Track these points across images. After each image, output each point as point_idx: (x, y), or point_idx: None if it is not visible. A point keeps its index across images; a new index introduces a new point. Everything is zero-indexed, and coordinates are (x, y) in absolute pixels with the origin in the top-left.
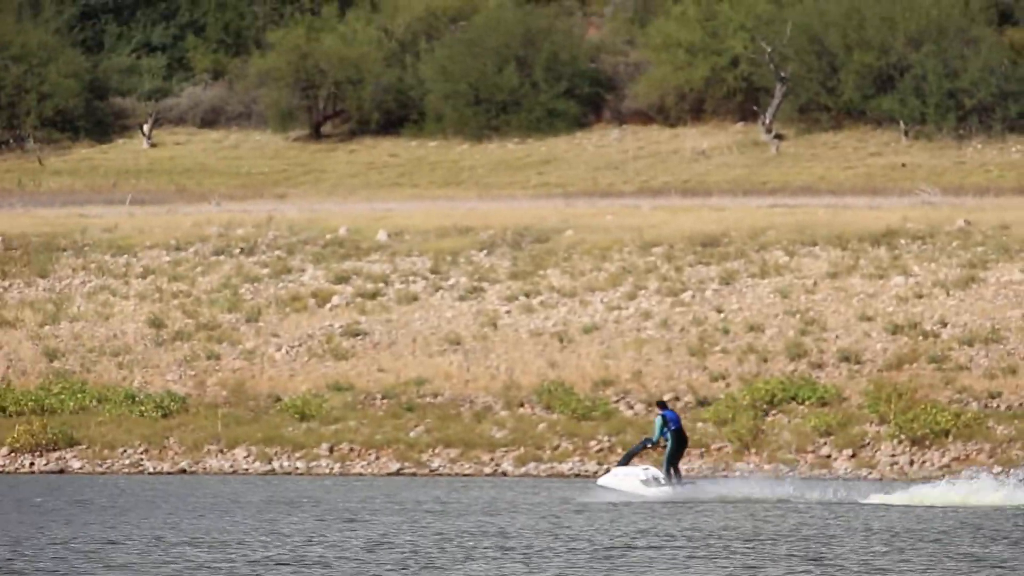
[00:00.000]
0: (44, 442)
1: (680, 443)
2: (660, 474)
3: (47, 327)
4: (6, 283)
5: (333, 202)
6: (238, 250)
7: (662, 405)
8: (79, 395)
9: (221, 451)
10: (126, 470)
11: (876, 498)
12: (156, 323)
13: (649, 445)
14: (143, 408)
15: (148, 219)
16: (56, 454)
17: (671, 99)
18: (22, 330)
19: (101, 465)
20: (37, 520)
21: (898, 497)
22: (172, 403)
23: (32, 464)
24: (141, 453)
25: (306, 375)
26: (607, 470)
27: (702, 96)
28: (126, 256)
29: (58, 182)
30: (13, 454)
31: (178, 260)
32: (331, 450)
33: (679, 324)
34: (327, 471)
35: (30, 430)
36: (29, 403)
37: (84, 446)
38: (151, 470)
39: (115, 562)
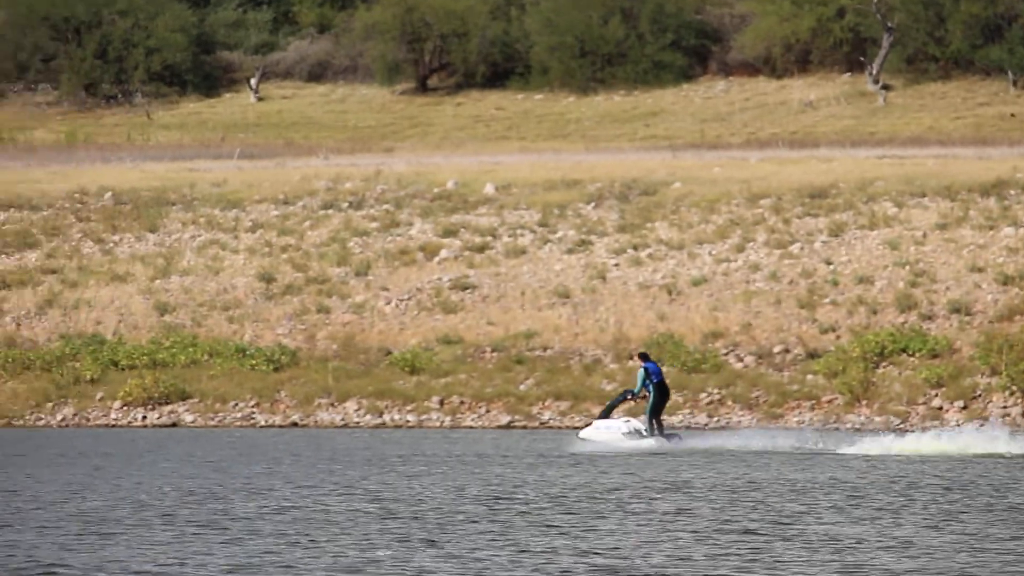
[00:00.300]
0: (156, 396)
1: (662, 395)
2: (642, 426)
3: (158, 281)
4: (116, 238)
5: (440, 155)
6: (346, 204)
7: (644, 357)
8: (190, 349)
9: (332, 404)
10: (238, 423)
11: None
12: (266, 277)
13: (630, 397)
14: (254, 362)
15: (256, 173)
16: (168, 407)
17: (777, 50)
18: (133, 284)
19: (213, 419)
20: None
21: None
22: (283, 356)
23: (144, 418)
24: (253, 406)
25: (415, 328)
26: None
27: (808, 47)
28: (235, 210)
29: (166, 136)
30: (126, 408)
31: (287, 214)
32: (442, 403)
33: (788, 276)
34: (438, 424)
35: (142, 384)
36: (141, 357)
37: (196, 399)
38: (263, 423)
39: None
